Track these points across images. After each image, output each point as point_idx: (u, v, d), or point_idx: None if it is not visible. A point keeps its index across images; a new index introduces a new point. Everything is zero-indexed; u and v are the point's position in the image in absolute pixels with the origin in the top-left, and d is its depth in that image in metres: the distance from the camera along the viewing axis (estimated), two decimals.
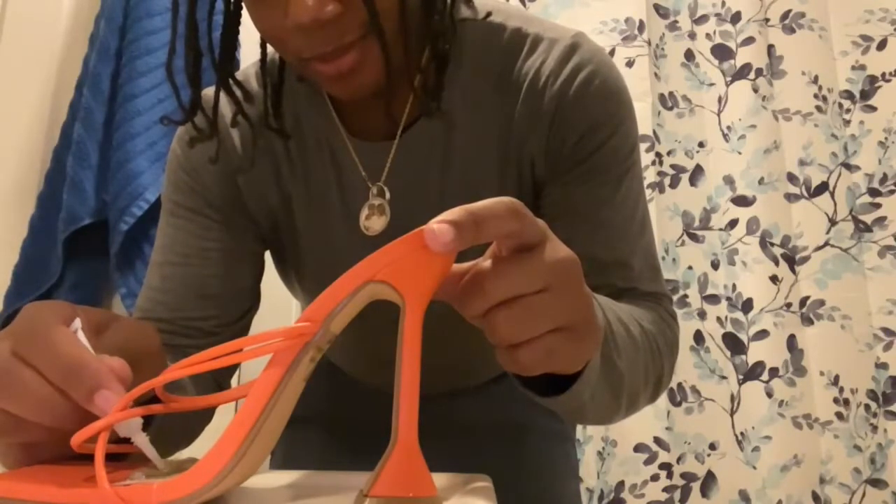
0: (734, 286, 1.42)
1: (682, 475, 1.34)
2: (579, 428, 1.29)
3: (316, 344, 0.37)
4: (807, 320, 1.40)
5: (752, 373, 1.37)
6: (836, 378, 1.36)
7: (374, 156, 0.64)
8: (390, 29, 0.52)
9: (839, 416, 1.34)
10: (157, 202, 1.21)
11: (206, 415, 0.64)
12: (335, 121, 0.65)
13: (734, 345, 1.39)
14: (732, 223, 1.45)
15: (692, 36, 1.54)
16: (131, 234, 1.26)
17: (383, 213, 0.64)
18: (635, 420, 1.20)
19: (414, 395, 0.35)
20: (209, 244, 0.66)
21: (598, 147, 0.61)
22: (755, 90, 1.48)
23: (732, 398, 1.37)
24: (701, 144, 1.50)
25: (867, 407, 1.36)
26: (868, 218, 1.44)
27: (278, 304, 0.84)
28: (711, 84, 1.52)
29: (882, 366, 1.38)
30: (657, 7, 1.53)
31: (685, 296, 1.42)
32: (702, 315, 1.41)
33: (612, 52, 1.47)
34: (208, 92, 0.64)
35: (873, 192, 1.45)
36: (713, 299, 1.42)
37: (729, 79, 1.51)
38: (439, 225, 0.34)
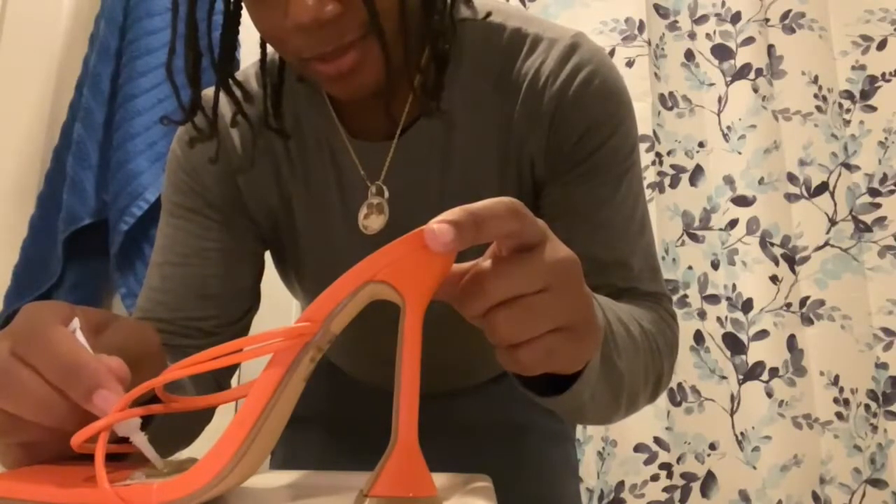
0: (734, 286, 1.42)
1: (682, 475, 1.34)
2: (579, 428, 1.29)
3: (316, 344, 0.37)
4: (807, 320, 1.40)
5: (752, 373, 1.37)
6: (836, 378, 1.36)
7: (373, 156, 0.64)
8: (390, 29, 0.52)
9: (839, 416, 1.34)
10: (157, 202, 1.21)
11: (206, 415, 0.64)
12: (335, 121, 0.65)
13: (734, 345, 1.39)
14: (732, 223, 1.45)
15: (692, 36, 1.54)
16: (131, 234, 1.26)
17: (382, 211, 0.64)
18: (635, 420, 1.21)
19: (414, 395, 0.35)
20: (209, 244, 0.66)
21: (597, 147, 0.61)
22: (755, 90, 1.48)
23: (732, 398, 1.37)
24: (701, 144, 1.50)
25: (867, 407, 1.36)
26: (868, 218, 1.44)
27: (278, 304, 0.84)
28: (711, 84, 1.52)
29: (882, 366, 1.38)
30: (657, 7, 1.53)
31: (685, 296, 1.42)
32: (702, 315, 1.41)
33: (612, 52, 1.47)
34: (208, 92, 0.64)
35: (873, 192, 1.45)
36: (713, 299, 1.42)
37: (729, 79, 1.51)
38: (439, 225, 0.34)
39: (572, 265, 0.38)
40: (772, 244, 1.42)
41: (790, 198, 1.44)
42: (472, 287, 0.37)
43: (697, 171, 1.48)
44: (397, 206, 0.64)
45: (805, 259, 1.42)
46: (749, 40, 1.51)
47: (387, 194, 0.64)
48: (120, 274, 1.28)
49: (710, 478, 1.34)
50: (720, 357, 1.39)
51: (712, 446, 1.35)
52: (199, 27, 0.59)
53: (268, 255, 0.73)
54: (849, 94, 1.50)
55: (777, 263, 1.41)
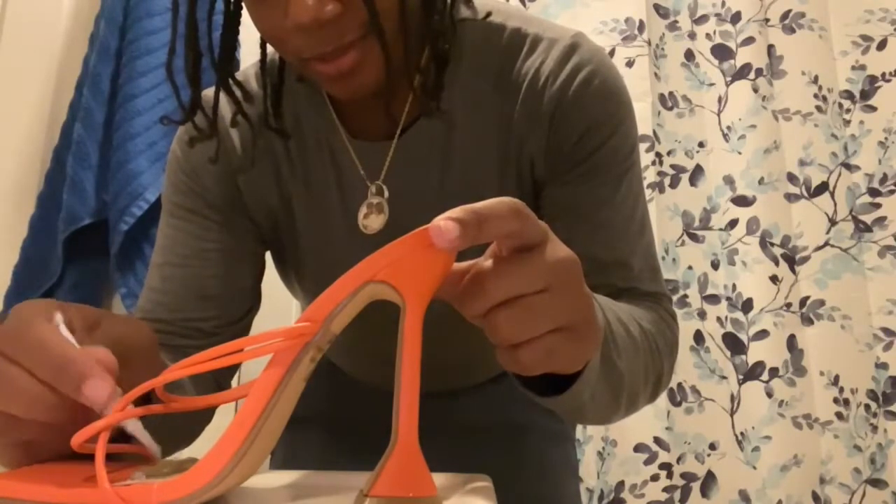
0: (734, 286, 1.42)
1: (682, 475, 1.34)
2: (579, 428, 1.29)
3: (316, 344, 0.37)
4: (807, 320, 1.40)
5: (752, 373, 1.37)
6: (836, 378, 1.36)
7: (373, 156, 0.64)
8: (390, 29, 0.52)
9: (839, 416, 1.34)
10: (157, 202, 1.21)
11: (207, 415, 0.64)
12: (335, 121, 0.65)
13: (734, 345, 1.39)
14: (732, 223, 1.45)
15: (692, 36, 1.54)
16: (131, 234, 1.26)
17: (382, 211, 0.64)
18: (635, 420, 1.21)
19: (414, 395, 0.35)
20: (208, 245, 0.66)
21: (597, 147, 0.61)
22: (755, 90, 1.48)
23: (732, 398, 1.37)
24: (701, 144, 1.50)
25: (867, 407, 1.36)
26: (868, 218, 1.44)
27: (278, 304, 0.84)
28: (711, 84, 1.52)
29: (882, 366, 1.38)
30: (657, 7, 1.53)
31: (685, 296, 1.42)
32: (702, 315, 1.41)
33: (612, 52, 1.47)
34: (208, 92, 0.64)
35: (873, 192, 1.45)
36: (713, 299, 1.42)
37: (729, 79, 1.51)
38: (445, 222, 0.34)
39: (573, 265, 0.38)
40: (772, 244, 1.42)
41: (790, 198, 1.44)
42: (473, 287, 0.37)
43: (697, 171, 1.48)
44: (397, 205, 0.64)
45: (805, 259, 1.42)
46: (749, 40, 1.51)
47: (387, 194, 0.64)
48: (120, 274, 1.28)
49: (710, 478, 1.34)
50: (720, 357, 1.39)
51: (712, 446, 1.35)
52: (199, 27, 0.59)
53: (268, 256, 0.73)
54: (849, 94, 1.50)
55: (777, 263, 1.41)
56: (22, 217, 1.34)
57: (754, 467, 1.33)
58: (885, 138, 1.46)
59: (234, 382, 0.78)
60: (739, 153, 1.47)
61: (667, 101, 1.50)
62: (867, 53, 1.51)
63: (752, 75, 1.49)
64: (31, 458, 0.42)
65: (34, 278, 1.32)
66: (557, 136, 0.61)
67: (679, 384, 1.38)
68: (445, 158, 0.63)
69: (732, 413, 1.36)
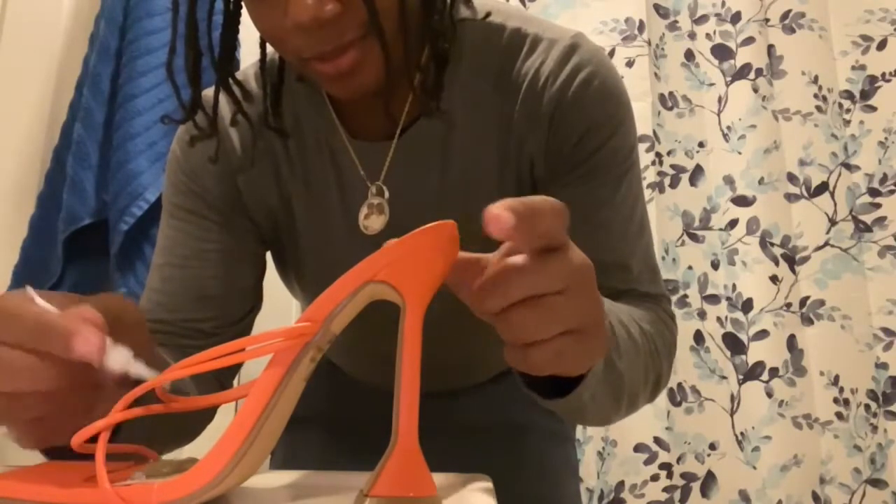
0: (734, 286, 1.42)
1: (682, 475, 1.34)
2: (579, 428, 1.29)
3: (316, 344, 0.37)
4: (807, 320, 1.40)
5: (752, 373, 1.37)
6: (836, 378, 1.36)
7: (373, 156, 0.64)
8: (390, 28, 0.52)
9: (839, 416, 1.34)
10: (157, 202, 1.21)
11: (208, 414, 0.64)
12: (335, 121, 0.65)
13: (734, 345, 1.39)
14: (732, 223, 1.45)
15: (692, 36, 1.54)
16: (131, 234, 1.26)
17: (382, 212, 0.64)
18: (635, 420, 1.21)
19: (414, 395, 0.35)
20: (208, 245, 0.66)
21: (597, 148, 0.61)
22: (755, 90, 1.48)
23: (732, 398, 1.37)
24: (701, 144, 1.50)
25: (867, 407, 1.36)
26: (868, 218, 1.44)
27: (278, 304, 0.84)
28: (711, 84, 1.52)
29: (882, 366, 1.38)
30: (657, 7, 1.53)
31: (685, 296, 1.42)
32: (702, 315, 1.41)
33: (612, 53, 1.48)
34: (208, 92, 0.64)
35: (873, 192, 1.45)
36: (713, 299, 1.42)
37: (729, 79, 1.51)
38: (502, 211, 0.33)
39: (588, 270, 0.39)
40: (772, 244, 1.42)
41: (790, 198, 1.44)
42: (492, 283, 0.37)
43: (697, 171, 1.48)
44: (397, 205, 0.64)
45: (805, 259, 1.42)
46: (749, 40, 1.51)
47: (387, 194, 0.64)
48: (120, 274, 1.28)
49: (710, 478, 1.34)
50: (720, 357, 1.39)
51: (712, 446, 1.35)
52: (199, 27, 0.59)
53: (268, 256, 0.73)
54: (849, 94, 1.50)
55: (777, 263, 1.41)
56: (22, 217, 1.34)
57: (754, 467, 1.33)
58: (885, 138, 1.46)
59: (234, 383, 0.78)
60: (739, 153, 1.47)
61: (667, 101, 1.50)
62: (867, 53, 1.51)
63: (752, 75, 1.49)
64: (48, 434, 0.41)
65: (34, 278, 1.32)
66: (557, 137, 0.61)
67: (679, 384, 1.38)
68: (445, 158, 0.63)
69: (732, 413, 1.36)
